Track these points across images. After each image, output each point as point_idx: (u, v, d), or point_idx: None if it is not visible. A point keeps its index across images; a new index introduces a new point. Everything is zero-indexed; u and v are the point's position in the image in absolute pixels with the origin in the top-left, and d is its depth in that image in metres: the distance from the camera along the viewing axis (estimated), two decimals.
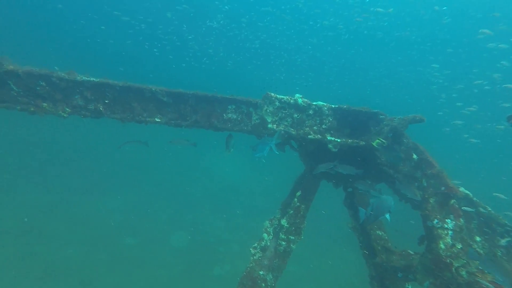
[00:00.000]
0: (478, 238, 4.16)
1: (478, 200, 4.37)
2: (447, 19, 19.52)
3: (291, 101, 4.32)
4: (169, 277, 9.37)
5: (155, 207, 14.06)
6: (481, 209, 4.24)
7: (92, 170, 15.30)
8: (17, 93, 3.43)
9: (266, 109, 4.37)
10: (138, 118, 4.02)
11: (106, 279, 8.58)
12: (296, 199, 4.75)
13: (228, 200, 16.98)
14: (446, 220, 3.45)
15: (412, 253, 4.09)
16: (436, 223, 3.43)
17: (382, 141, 3.82)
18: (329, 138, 4.28)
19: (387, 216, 3.87)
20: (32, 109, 3.50)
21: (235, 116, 4.59)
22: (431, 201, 3.66)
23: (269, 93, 4.33)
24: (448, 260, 3.22)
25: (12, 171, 12.96)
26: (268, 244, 4.57)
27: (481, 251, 3.83)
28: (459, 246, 3.35)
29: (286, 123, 4.44)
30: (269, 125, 4.38)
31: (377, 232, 4.50)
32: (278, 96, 4.33)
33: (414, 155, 4.32)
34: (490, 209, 4.24)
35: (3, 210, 10.09)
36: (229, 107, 4.57)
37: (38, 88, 3.48)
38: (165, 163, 19.84)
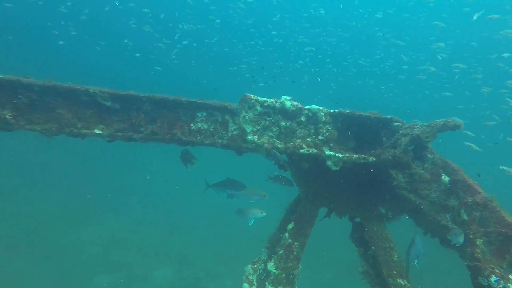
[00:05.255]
0: None
1: None
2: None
3: (277, 104, 3.32)
4: None
5: (140, 236, 12.68)
6: None
7: (68, 195, 14.04)
8: None
9: (245, 115, 3.36)
10: (69, 129, 2.99)
11: None
12: (287, 234, 3.60)
13: (223, 225, 15.54)
14: (511, 277, 2.27)
15: None
16: (495, 281, 2.26)
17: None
18: (327, 152, 3.22)
19: (416, 262, 2.73)
20: None
21: (206, 126, 3.56)
22: (478, 243, 2.51)
23: (248, 94, 3.33)
24: None
25: None
26: None
27: None
28: None
29: (271, 133, 3.40)
30: (249, 137, 3.34)
31: (398, 281, 3.27)
32: (259, 98, 3.33)
33: (443, 175, 3.23)
34: None
35: None
36: (199, 114, 3.56)
37: None
38: (156, 186, 18.62)
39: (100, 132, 3.13)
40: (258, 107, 3.32)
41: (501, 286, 2.22)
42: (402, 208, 3.59)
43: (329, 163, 3.23)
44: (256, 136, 3.36)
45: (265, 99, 3.33)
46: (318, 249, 12.48)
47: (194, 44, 22.72)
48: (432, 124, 2.92)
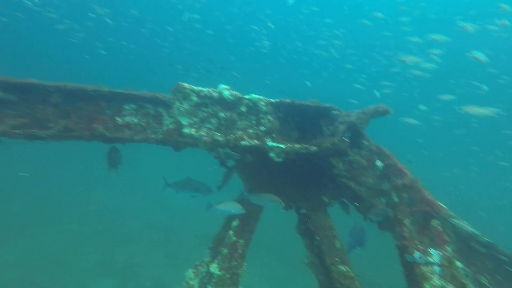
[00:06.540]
0: (459, 264, 3.27)
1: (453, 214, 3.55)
2: None
3: (214, 94, 3.07)
4: None
5: (75, 251, 11.23)
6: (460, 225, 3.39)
7: None
8: None
9: (179, 106, 3.04)
10: None
11: None
12: (231, 232, 3.40)
13: (175, 230, 14.65)
14: (430, 251, 2.42)
15: None
16: (419, 257, 2.38)
17: None
18: (269, 144, 3.09)
19: (358, 249, 2.77)
20: None
21: (136, 120, 3.13)
22: (406, 223, 2.65)
23: (181, 83, 3.02)
24: None
25: None
26: None
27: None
28: None
29: (209, 125, 3.14)
30: (185, 130, 3.03)
31: (340, 267, 3.33)
32: (195, 88, 3.04)
33: (378, 161, 3.37)
34: (469, 225, 3.43)
35: None
36: (126, 107, 3.12)
37: None
38: (99, 193, 16.77)
39: None
40: (194, 97, 3.04)
41: (423, 260, 2.36)
42: (343, 195, 3.67)
43: (271, 154, 3.12)
44: (193, 129, 3.06)
45: (201, 88, 3.06)
46: (268, 245, 12.61)
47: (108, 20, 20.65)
48: (365, 111, 3.01)
